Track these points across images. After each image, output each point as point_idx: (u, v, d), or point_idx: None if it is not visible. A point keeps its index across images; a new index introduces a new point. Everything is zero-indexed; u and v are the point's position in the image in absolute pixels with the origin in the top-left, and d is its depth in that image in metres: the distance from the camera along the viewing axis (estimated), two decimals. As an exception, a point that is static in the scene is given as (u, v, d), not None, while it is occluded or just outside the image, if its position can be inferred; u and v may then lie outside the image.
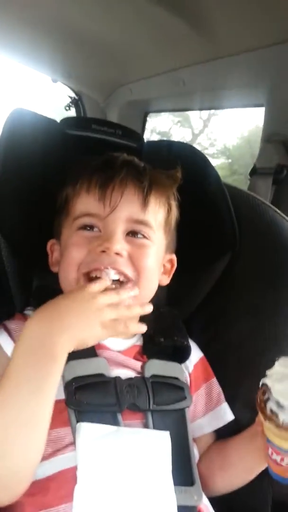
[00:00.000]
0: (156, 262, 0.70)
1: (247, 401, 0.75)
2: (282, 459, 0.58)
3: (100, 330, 0.57)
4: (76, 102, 1.44)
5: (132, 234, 0.68)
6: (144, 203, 0.68)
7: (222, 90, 1.14)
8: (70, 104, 1.44)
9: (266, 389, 0.58)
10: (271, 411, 0.56)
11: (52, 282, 0.74)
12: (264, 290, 0.81)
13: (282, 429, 0.55)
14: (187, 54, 1.18)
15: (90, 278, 0.64)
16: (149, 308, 0.62)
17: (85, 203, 0.67)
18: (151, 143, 0.86)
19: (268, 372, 0.58)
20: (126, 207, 0.67)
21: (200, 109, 1.21)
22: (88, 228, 0.67)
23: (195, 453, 0.69)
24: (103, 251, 0.64)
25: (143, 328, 0.62)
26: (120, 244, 0.65)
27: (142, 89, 1.30)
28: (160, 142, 0.88)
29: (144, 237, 0.68)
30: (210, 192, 0.80)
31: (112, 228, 0.66)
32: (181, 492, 0.59)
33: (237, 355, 0.79)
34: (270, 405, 0.56)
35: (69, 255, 0.66)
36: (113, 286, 0.63)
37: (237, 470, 0.71)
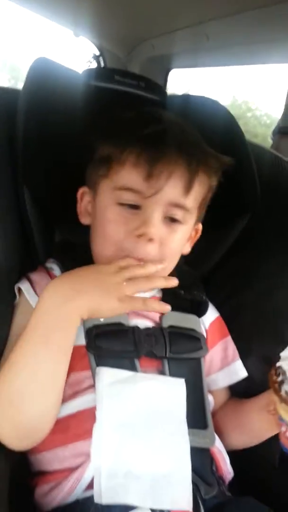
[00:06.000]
0: (184, 240, 0.71)
1: (260, 357, 0.77)
2: (285, 430, 0.61)
3: (117, 303, 0.58)
4: (97, 58, 1.41)
5: (168, 218, 0.66)
6: (188, 187, 0.65)
7: (248, 46, 1.10)
8: (92, 59, 1.41)
9: (280, 371, 0.59)
10: (286, 393, 0.57)
11: (75, 236, 0.75)
12: (282, 251, 0.81)
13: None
14: (212, 8, 1.13)
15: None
16: (174, 282, 0.62)
17: (130, 177, 0.63)
18: (174, 97, 0.85)
19: (283, 354, 0.60)
20: (171, 190, 0.63)
21: (225, 65, 1.17)
22: (129, 207, 0.64)
23: (210, 400, 0.71)
24: (140, 235, 0.63)
25: (167, 307, 0.63)
26: (155, 229, 0.63)
27: (164, 44, 1.26)
28: (182, 96, 0.86)
29: (179, 221, 0.67)
30: (232, 149, 0.79)
31: (151, 211, 0.63)
32: (194, 434, 0.61)
33: (251, 313, 0.80)
34: (286, 387, 0.57)
35: (106, 232, 0.65)
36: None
37: (249, 433, 0.74)
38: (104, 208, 0.66)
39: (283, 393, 0.57)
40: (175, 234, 0.67)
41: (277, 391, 0.58)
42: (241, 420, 0.74)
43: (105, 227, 0.65)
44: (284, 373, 0.58)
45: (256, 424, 0.72)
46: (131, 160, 0.62)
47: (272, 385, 0.59)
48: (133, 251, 0.63)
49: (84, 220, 0.72)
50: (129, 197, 0.64)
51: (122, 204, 0.64)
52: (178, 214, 0.66)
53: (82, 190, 0.72)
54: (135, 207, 0.64)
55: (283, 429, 0.61)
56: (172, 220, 0.66)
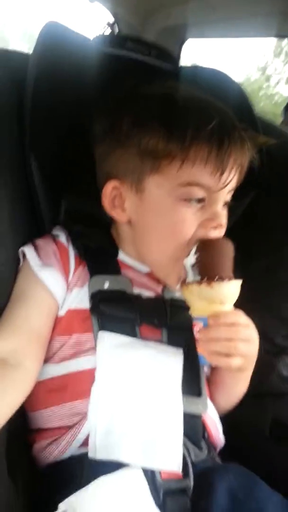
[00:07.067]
0: None
1: (259, 332, 0.78)
2: (197, 331, 0.64)
3: None
4: (112, 26, 1.38)
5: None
6: (244, 171, 0.66)
7: (266, 17, 1.06)
8: (106, 27, 1.38)
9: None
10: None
11: (82, 206, 0.76)
12: (285, 228, 0.81)
13: (185, 286, 0.60)
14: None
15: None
16: None
17: (201, 174, 0.61)
18: (184, 69, 0.83)
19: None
20: (234, 179, 0.65)
21: (241, 37, 1.15)
22: (195, 201, 0.62)
23: (205, 370, 0.73)
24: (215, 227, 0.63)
25: None
26: (224, 217, 0.65)
27: (181, 13, 1.22)
28: (193, 68, 0.85)
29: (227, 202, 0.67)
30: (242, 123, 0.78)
31: (219, 202, 0.64)
32: (188, 401, 0.63)
33: (253, 288, 0.81)
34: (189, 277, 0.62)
35: (176, 231, 0.63)
36: None
37: (225, 389, 0.75)
38: (166, 207, 0.63)
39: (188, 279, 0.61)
40: (226, 215, 0.67)
41: (184, 284, 0.61)
42: (218, 379, 0.75)
43: (175, 227, 0.63)
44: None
45: (227, 379, 0.74)
46: (201, 157, 0.60)
47: (182, 287, 0.62)
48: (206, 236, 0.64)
49: (121, 217, 0.68)
50: (197, 193, 0.62)
51: (187, 200, 0.62)
52: (229, 197, 0.67)
53: (112, 184, 0.66)
54: (201, 199, 0.63)
55: (197, 329, 0.63)
56: (224, 203, 0.66)
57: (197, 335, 0.63)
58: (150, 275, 0.72)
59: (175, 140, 0.60)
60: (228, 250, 0.62)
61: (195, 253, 0.61)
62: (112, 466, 0.55)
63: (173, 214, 0.63)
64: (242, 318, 0.62)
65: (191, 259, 0.61)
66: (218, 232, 0.65)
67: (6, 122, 0.68)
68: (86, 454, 0.57)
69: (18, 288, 0.66)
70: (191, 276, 0.61)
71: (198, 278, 0.60)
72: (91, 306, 0.65)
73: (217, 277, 0.58)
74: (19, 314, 0.62)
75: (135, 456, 0.57)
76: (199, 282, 0.59)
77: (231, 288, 0.60)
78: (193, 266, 0.61)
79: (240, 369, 0.61)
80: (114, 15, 1.41)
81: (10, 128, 0.69)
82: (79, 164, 0.73)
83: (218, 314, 0.60)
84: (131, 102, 0.65)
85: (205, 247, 0.61)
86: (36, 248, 0.68)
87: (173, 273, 0.66)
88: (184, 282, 0.62)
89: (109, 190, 0.67)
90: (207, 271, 0.60)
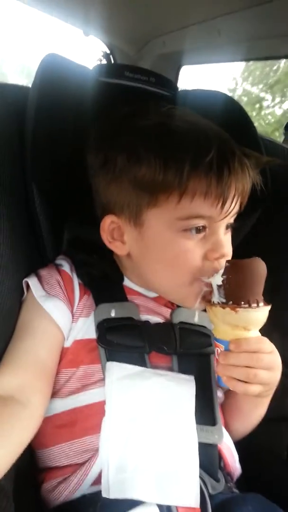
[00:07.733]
0: None
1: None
2: (217, 353, 0.60)
3: None
4: (107, 56, 1.41)
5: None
6: (244, 198, 0.64)
7: (261, 40, 1.08)
8: (102, 57, 1.41)
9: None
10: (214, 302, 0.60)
11: (84, 233, 0.75)
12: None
13: (210, 307, 0.59)
14: (224, 3, 1.12)
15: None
16: None
17: (201, 207, 0.59)
18: (184, 92, 0.84)
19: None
20: (236, 206, 0.62)
21: (237, 61, 1.17)
22: (195, 230, 0.61)
23: (220, 396, 0.71)
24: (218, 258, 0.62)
25: None
26: (227, 246, 0.63)
27: (176, 41, 1.25)
28: (193, 91, 0.85)
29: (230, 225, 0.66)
30: (244, 144, 0.79)
31: (220, 230, 0.62)
32: (202, 430, 0.61)
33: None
34: (214, 299, 0.60)
35: (181, 262, 0.61)
36: None
37: (241, 417, 0.73)
38: (167, 239, 0.61)
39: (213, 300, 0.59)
40: (229, 238, 0.66)
41: (209, 304, 0.60)
42: (234, 404, 0.73)
43: (178, 258, 0.61)
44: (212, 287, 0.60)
45: (244, 405, 0.72)
46: (200, 190, 0.58)
47: (206, 306, 0.61)
48: (212, 271, 0.61)
49: (121, 251, 0.66)
50: (197, 222, 0.60)
51: (187, 230, 0.60)
52: (232, 219, 0.65)
53: (109, 219, 0.65)
54: (202, 228, 0.61)
55: (217, 352, 0.60)
56: (226, 227, 0.65)
57: (217, 356, 0.60)
58: (157, 300, 0.71)
59: (172, 173, 0.57)
60: (259, 272, 0.58)
61: (223, 274, 0.58)
62: (126, 504, 0.53)
63: (175, 246, 0.61)
64: (266, 345, 0.59)
65: (218, 279, 0.58)
66: (222, 262, 0.62)
67: (6, 152, 0.69)
68: (98, 492, 0.55)
69: (23, 320, 0.64)
70: (216, 297, 0.59)
71: (223, 300, 0.58)
72: (98, 336, 0.63)
73: (243, 302, 0.56)
74: (25, 348, 0.61)
75: (150, 492, 0.54)
76: (223, 306, 0.57)
77: (258, 315, 0.57)
78: (219, 287, 0.58)
79: (260, 395, 0.59)
80: (109, 46, 1.45)
81: (11, 159, 0.70)
82: (81, 192, 0.72)
83: (240, 340, 0.57)
84: (125, 134, 0.63)
85: (233, 269, 0.58)
86: (39, 279, 0.67)
87: (188, 297, 0.64)
88: (209, 302, 0.60)
89: (106, 224, 0.66)
90: (233, 295, 0.57)
